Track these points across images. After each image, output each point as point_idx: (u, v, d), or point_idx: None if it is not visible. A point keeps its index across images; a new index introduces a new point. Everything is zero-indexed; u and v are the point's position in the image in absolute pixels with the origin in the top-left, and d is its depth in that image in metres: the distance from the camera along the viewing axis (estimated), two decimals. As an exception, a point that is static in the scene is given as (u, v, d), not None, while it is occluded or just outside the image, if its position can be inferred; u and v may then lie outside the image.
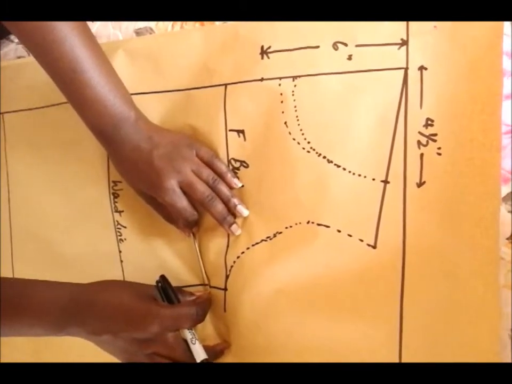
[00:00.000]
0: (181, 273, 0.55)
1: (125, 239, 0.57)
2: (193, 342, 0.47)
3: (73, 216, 0.60)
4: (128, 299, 0.47)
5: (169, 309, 0.47)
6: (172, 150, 0.48)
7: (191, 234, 0.53)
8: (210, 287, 0.53)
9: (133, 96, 0.51)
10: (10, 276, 0.64)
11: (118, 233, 0.58)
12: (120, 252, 0.58)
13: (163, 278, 0.51)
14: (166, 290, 0.50)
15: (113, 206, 0.58)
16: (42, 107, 0.61)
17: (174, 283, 0.52)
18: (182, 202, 0.49)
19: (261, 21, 0.49)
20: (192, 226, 0.52)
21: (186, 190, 0.49)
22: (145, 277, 0.54)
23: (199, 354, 0.47)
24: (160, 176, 0.48)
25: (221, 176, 0.50)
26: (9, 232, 0.65)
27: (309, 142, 0.48)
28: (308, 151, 0.48)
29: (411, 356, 0.43)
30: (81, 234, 0.60)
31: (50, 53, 0.45)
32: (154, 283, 0.51)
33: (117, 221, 0.58)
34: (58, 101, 0.59)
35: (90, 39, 0.47)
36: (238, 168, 0.51)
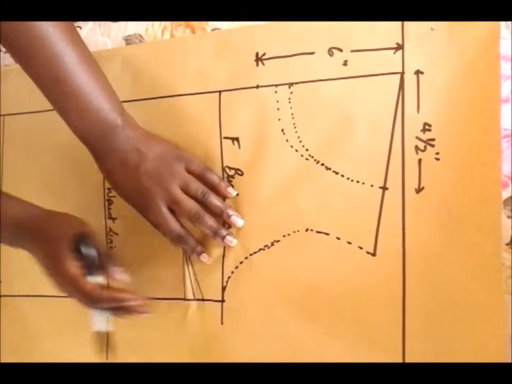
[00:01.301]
0: (167, 285, 0.53)
1: (115, 246, 0.56)
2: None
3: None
4: (55, 247, 0.45)
5: (78, 285, 0.45)
6: (160, 165, 0.47)
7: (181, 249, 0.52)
8: (204, 300, 0.52)
9: (127, 102, 0.49)
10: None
11: (109, 240, 0.56)
12: None
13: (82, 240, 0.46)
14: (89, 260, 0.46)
15: (107, 212, 0.57)
16: (42, 111, 0.60)
17: (160, 294, 0.52)
18: (168, 224, 0.48)
19: (253, 22, 0.49)
20: (182, 243, 0.50)
21: (175, 209, 0.47)
22: (131, 286, 0.52)
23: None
24: (147, 197, 0.46)
25: (214, 187, 0.49)
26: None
27: (307, 150, 0.47)
28: (306, 158, 0.47)
29: (414, 362, 0.43)
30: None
31: (34, 57, 0.42)
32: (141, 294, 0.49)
33: (110, 228, 0.56)
34: None
35: (76, 42, 0.45)
36: (232, 176, 0.51)
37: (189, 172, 0.48)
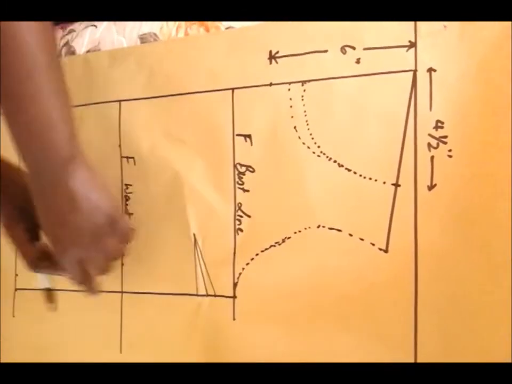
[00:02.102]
0: (179, 281, 0.54)
1: (131, 241, 0.57)
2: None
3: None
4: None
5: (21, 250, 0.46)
6: (88, 227, 0.41)
7: (193, 241, 0.52)
8: (216, 296, 0.52)
9: (142, 100, 0.50)
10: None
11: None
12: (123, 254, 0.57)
13: None
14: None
15: (124, 208, 0.57)
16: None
17: (172, 290, 0.53)
18: (75, 275, 0.45)
19: (266, 21, 0.49)
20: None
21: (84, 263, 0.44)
22: (142, 281, 0.55)
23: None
24: (63, 246, 0.43)
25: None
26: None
27: (319, 146, 0.48)
28: (318, 155, 0.47)
29: (427, 360, 0.43)
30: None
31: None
32: (155, 291, 0.52)
33: (125, 224, 0.57)
34: (80, 102, 0.58)
35: (50, 44, 0.39)
36: (243, 173, 0.51)
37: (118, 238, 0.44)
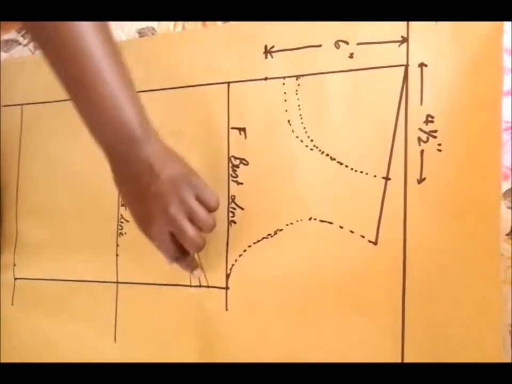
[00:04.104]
0: (173, 272, 0.53)
1: (125, 233, 0.58)
2: None
3: (79, 203, 0.60)
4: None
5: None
6: (170, 189, 0.44)
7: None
8: (209, 287, 0.53)
9: (139, 93, 0.51)
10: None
11: (120, 227, 0.58)
12: (117, 245, 0.58)
13: None
14: None
15: (119, 200, 0.58)
16: (60, 101, 0.62)
17: (166, 280, 0.54)
18: (167, 249, 0.47)
19: (262, 21, 0.50)
20: (178, 263, 0.50)
21: (176, 235, 0.46)
22: (139, 273, 0.56)
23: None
24: (150, 219, 0.45)
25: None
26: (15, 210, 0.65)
27: (312, 140, 0.48)
28: (311, 149, 0.48)
29: (413, 350, 0.43)
30: (82, 223, 0.60)
31: (62, 50, 0.40)
32: (148, 281, 0.53)
33: (121, 215, 0.58)
34: None
35: (110, 43, 0.42)
36: (237, 166, 0.52)
37: (199, 201, 0.46)
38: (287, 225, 0.49)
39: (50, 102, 0.63)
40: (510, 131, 0.42)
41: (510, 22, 0.42)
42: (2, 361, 0.63)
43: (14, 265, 0.64)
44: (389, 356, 0.44)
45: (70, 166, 0.61)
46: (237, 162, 0.52)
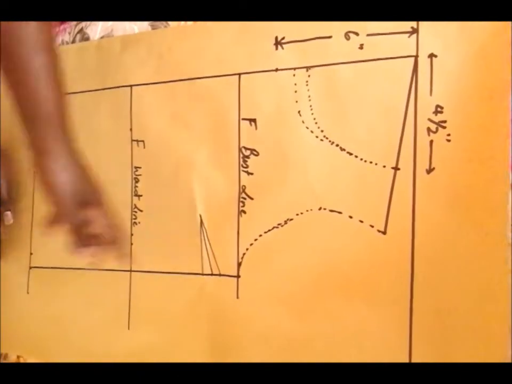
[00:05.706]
0: (185, 260, 0.56)
1: (139, 222, 0.59)
2: None
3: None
4: None
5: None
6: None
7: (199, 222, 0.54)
8: (220, 275, 0.54)
9: (150, 85, 0.52)
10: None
11: (134, 216, 0.59)
12: (132, 235, 0.59)
13: None
14: None
15: (133, 190, 0.59)
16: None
17: (179, 269, 0.55)
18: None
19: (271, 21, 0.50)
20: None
21: None
22: (150, 261, 0.57)
23: None
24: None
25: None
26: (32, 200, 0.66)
27: (322, 131, 0.49)
28: (321, 140, 0.49)
29: (421, 339, 0.44)
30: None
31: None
32: (162, 270, 0.54)
33: (135, 204, 0.59)
34: (94, 87, 0.61)
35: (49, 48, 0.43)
36: (248, 156, 0.52)
37: None
38: (297, 215, 0.50)
39: None
40: (518, 121, 0.42)
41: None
42: (17, 350, 0.65)
43: (31, 253, 0.65)
44: (397, 345, 0.45)
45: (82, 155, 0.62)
46: (248, 153, 0.52)
